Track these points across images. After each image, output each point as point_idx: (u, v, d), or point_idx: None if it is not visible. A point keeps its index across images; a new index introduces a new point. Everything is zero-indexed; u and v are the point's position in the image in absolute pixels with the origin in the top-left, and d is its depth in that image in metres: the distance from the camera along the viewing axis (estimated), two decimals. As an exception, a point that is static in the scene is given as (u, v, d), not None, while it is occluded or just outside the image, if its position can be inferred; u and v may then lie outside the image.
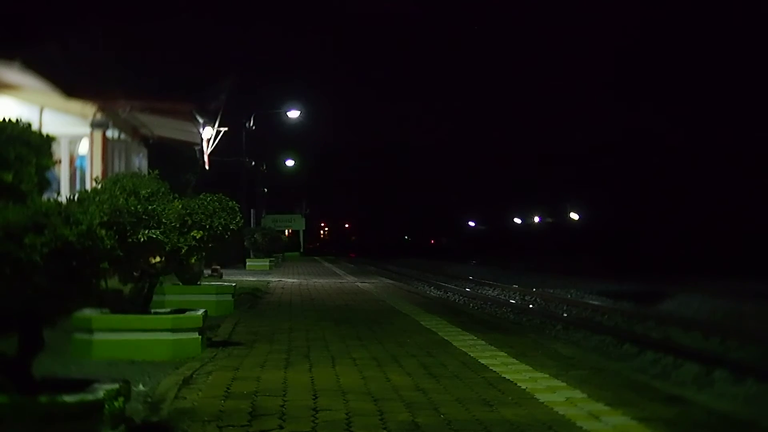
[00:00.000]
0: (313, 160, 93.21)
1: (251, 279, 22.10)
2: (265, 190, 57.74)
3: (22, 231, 3.71)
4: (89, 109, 14.46)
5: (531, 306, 22.65)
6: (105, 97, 14.76)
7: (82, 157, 15.10)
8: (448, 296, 25.73)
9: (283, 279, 22.93)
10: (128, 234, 6.98)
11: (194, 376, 6.53)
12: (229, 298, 12.46)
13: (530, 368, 7.04)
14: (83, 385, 4.03)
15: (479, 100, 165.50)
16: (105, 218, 6.23)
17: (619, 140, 73.50)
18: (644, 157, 69.00)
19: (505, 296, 26.17)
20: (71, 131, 14.60)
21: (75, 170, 15.23)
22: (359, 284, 20.84)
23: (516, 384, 6.27)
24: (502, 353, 7.96)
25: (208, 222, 7.86)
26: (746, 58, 79.73)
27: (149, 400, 5.60)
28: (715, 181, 58.81)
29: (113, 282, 7.31)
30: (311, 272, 28.60)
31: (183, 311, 8.18)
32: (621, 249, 53.52)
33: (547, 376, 6.65)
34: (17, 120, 4.47)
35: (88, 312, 7.38)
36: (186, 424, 4.87)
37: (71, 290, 3.93)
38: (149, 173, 7.77)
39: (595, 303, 22.31)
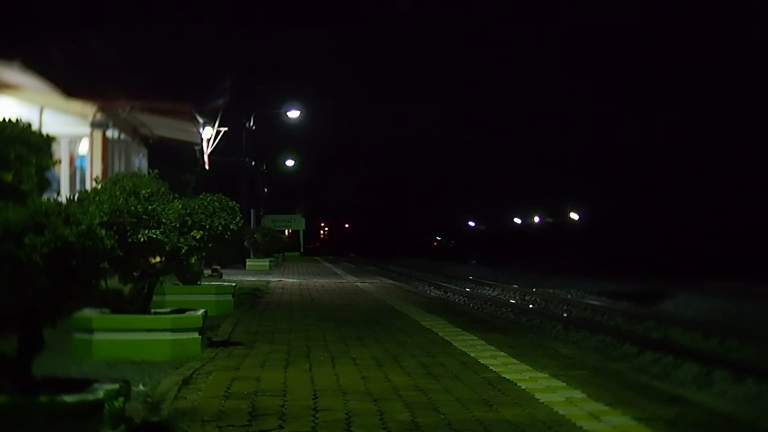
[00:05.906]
0: (313, 160, 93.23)
1: (251, 279, 22.09)
2: (265, 190, 57.71)
3: (22, 231, 3.70)
4: (89, 109, 14.46)
5: (531, 306, 22.65)
6: (105, 97, 14.75)
7: (82, 157, 15.10)
8: (448, 296, 25.72)
9: (283, 279, 22.93)
10: (128, 234, 6.99)
11: (194, 376, 6.53)
12: (229, 298, 12.46)
13: (530, 368, 7.03)
14: (83, 385, 4.03)
15: (480, 100, 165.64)
16: (105, 218, 6.24)
17: (620, 140, 73.54)
18: (644, 157, 69.00)
19: (505, 296, 26.17)
20: (71, 131, 14.59)
21: (75, 170, 15.22)
22: (359, 284, 20.84)
23: (516, 384, 6.27)
24: (502, 353, 7.95)
25: (208, 222, 7.87)
26: (743, 60, 79.71)
27: (149, 400, 5.59)
28: (715, 182, 58.82)
29: (113, 282, 7.31)
30: (311, 272, 28.59)
31: (183, 311, 8.17)
32: (621, 249, 53.51)
33: (547, 376, 6.65)
34: (17, 120, 4.47)
35: (88, 312, 7.38)
36: (186, 424, 4.87)
37: (71, 290, 3.92)
38: (149, 173, 7.78)
39: (595, 303, 22.30)
